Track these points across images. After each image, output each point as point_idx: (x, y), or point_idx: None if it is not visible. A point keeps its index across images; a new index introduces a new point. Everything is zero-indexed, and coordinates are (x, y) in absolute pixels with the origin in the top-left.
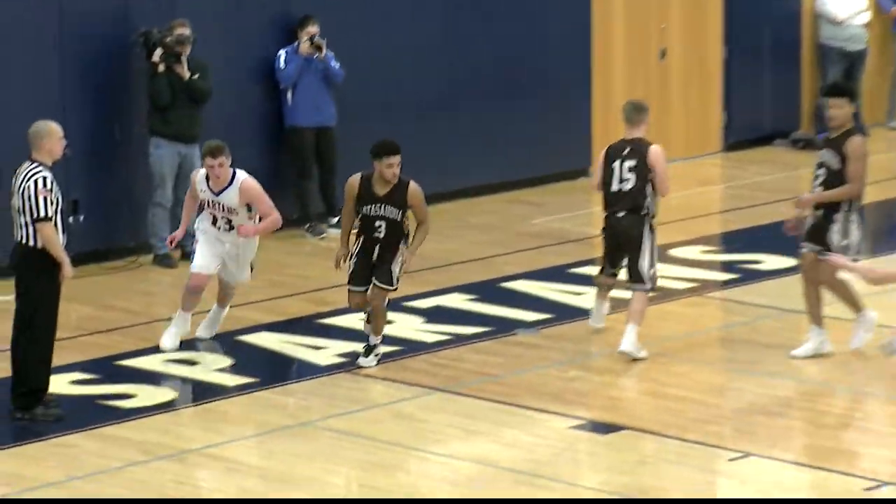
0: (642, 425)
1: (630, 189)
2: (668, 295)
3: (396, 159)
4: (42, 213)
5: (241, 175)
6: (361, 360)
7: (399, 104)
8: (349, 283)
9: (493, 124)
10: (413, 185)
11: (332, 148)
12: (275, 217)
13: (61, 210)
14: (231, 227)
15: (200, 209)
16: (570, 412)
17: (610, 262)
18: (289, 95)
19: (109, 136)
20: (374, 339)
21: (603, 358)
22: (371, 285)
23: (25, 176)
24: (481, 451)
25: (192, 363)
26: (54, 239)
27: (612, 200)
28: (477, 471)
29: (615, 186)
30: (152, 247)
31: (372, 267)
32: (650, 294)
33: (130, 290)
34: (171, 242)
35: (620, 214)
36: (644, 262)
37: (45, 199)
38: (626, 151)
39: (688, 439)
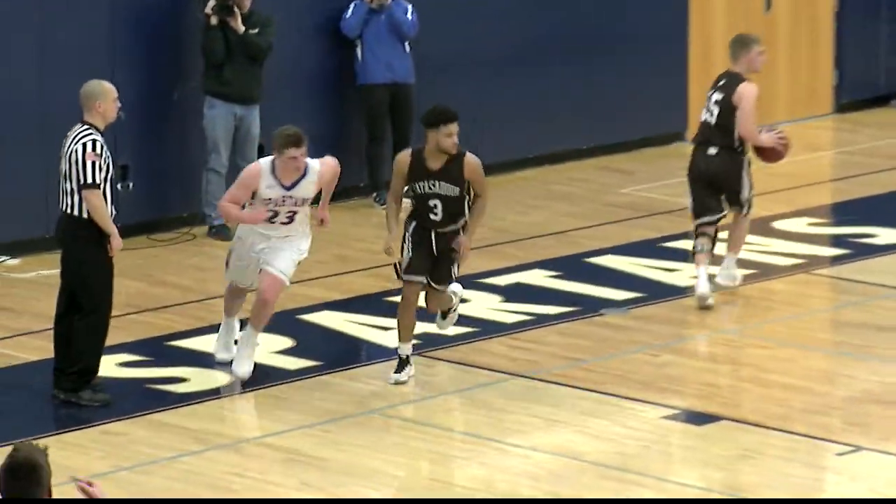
0: (742, 416)
1: (716, 123)
2: (771, 272)
3: (456, 127)
4: (89, 180)
5: (312, 161)
6: (439, 322)
7: (479, 61)
8: (405, 271)
9: (580, 83)
10: (470, 155)
11: (408, 108)
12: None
13: (111, 178)
14: (291, 221)
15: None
16: (663, 401)
17: (700, 210)
18: (358, 51)
19: (163, 95)
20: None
21: (699, 341)
22: (428, 283)
23: (74, 139)
24: (564, 443)
25: None
26: (102, 208)
27: (700, 131)
28: (560, 465)
29: (703, 116)
30: (206, 217)
31: (432, 257)
32: (750, 214)
33: (183, 265)
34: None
35: (712, 152)
36: (744, 194)
37: (94, 164)
38: (720, 83)
39: (792, 431)
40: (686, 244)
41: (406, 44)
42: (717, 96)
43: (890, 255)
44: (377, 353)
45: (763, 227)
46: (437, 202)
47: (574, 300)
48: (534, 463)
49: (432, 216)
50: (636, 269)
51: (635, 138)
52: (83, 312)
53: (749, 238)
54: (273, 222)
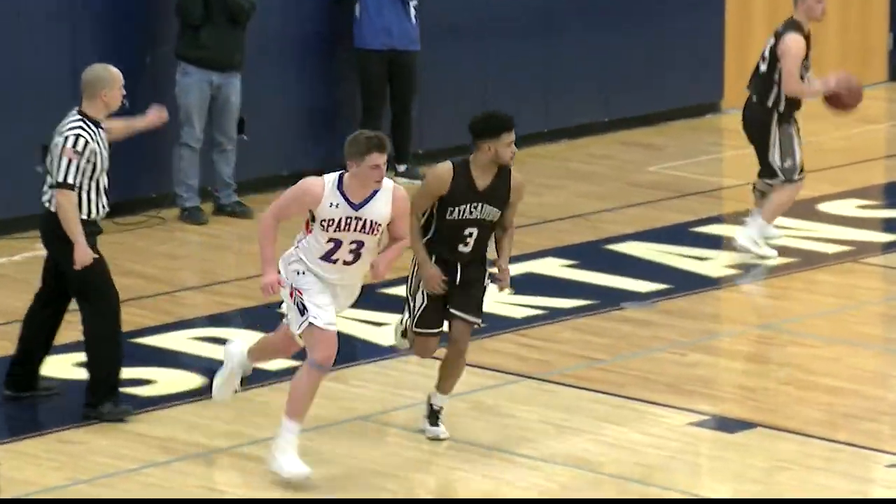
0: (780, 422)
1: (763, 73)
2: (815, 260)
3: (514, 134)
4: (60, 178)
5: (386, 180)
6: (430, 430)
7: (490, 26)
8: (417, 324)
9: (601, 49)
10: (515, 173)
11: (409, 79)
12: (406, 239)
13: (98, 176)
14: (356, 259)
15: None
16: (690, 405)
17: None
18: (356, 11)
19: (130, 60)
20: (440, 399)
21: (732, 338)
22: (451, 320)
23: (60, 130)
24: (579, 453)
25: (225, 342)
26: (70, 211)
27: (750, 80)
28: (574, 477)
29: (758, 64)
30: (178, 198)
31: (449, 295)
32: (793, 184)
33: (151, 252)
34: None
35: (753, 100)
36: (774, 156)
37: (69, 162)
38: (778, 30)
39: (836, 440)
40: (719, 229)
41: (411, 6)
42: (772, 42)
43: None
44: (369, 352)
45: (807, 210)
46: (474, 230)
47: (592, 292)
48: (545, 475)
49: (461, 247)
50: (662, 256)
51: (663, 109)
52: (87, 316)
53: (790, 222)
54: (333, 261)
